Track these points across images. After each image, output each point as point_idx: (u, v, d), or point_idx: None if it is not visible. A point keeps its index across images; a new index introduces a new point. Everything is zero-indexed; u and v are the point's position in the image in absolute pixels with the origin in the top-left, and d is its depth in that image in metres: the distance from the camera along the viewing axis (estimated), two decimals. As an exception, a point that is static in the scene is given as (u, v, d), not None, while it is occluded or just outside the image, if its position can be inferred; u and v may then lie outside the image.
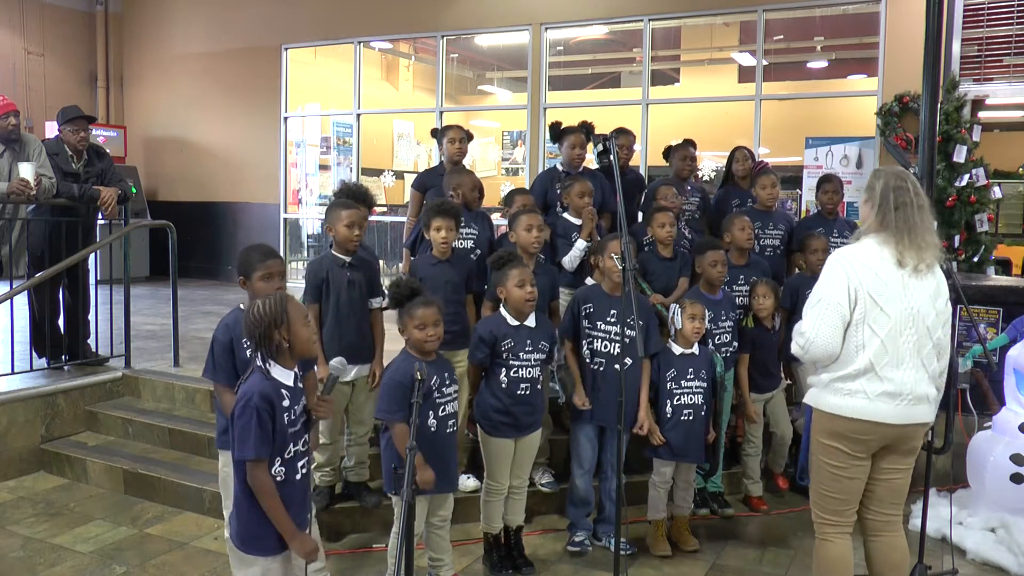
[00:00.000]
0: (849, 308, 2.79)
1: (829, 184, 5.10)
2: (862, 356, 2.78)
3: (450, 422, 3.22)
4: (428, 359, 3.17)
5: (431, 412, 3.13)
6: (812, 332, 2.83)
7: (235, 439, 2.45)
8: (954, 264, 6.63)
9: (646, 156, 8.61)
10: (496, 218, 7.29)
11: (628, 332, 3.37)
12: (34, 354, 5.32)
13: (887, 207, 2.82)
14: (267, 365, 2.51)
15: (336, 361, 2.72)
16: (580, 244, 4.32)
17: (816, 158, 7.95)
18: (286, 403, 2.50)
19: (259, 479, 2.45)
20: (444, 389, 3.19)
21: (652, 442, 3.86)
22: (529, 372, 3.56)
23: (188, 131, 11.39)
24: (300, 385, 2.63)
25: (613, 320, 3.74)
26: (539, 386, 3.66)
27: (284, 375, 2.53)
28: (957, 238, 6.93)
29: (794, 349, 2.93)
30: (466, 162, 5.05)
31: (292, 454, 2.54)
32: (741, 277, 4.53)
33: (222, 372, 3.03)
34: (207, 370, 3.10)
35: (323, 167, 10.98)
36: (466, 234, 4.34)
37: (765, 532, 4.22)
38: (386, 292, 3.52)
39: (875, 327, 2.77)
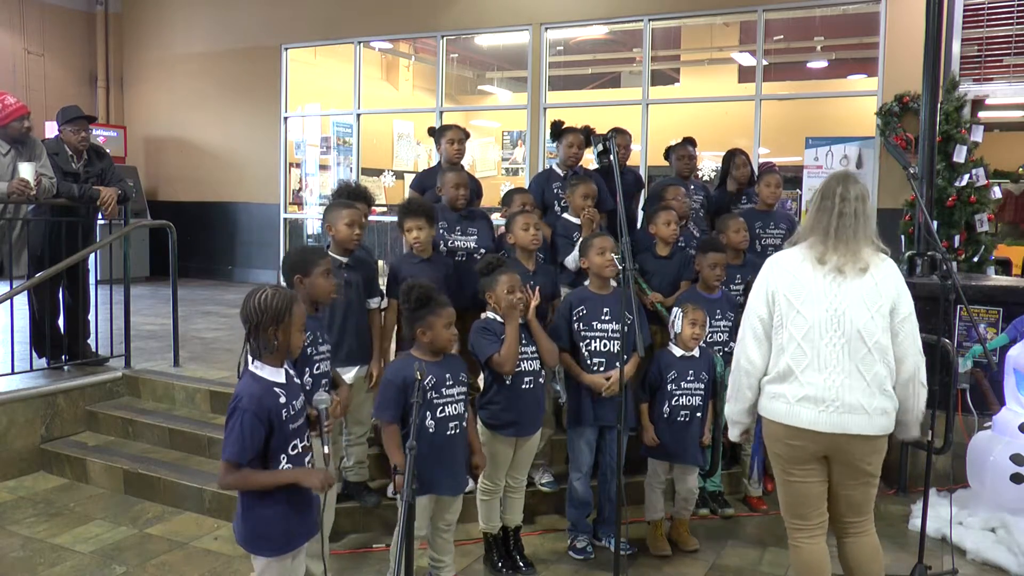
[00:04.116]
0: (768, 312, 2.81)
1: None
2: (783, 359, 2.76)
3: (451, 424, 3.15)
4: (436, 359, 3.16)
5: (428, 413, 3.07)
6: (739, 338, 2.91)
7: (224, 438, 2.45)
8: (954, 264, 6.63)
9: (646, 156, 8.62)
10: (496, 218, 7.30)
11: (626, 329, 3.37)
12: (34, 354, 5.31)
13: (813, 210, 2.84)
14: (255, 367, 2.50)
15: (320, 398, 2.65)
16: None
17: (816, 158, 7.95)
18: (282, 400, 2.49)
19: (231, 481, 2.45)
20: (444, 390, 3.14)
21: (645, 441, 3.87)
22: (530, 365, 3.57)
23: (188, 131, 11.39)
24: (298, 381, 2.63)
25: (607, 318, 3.74)
26: (541, 379, 3.66)
27: (274, 374, 2.51)
28: (957, 238, 6.93)
29: (734, 356, 2.99)
30: (466, 162, 5.04)
31: (298, 450, 2.54)
32: (738, 276, 4.55)
33: None
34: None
35: (323, 167, 10.99)
36: (465, 238, 4.34)
37: (765, 532, 4.22)
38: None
39: (793, 330, 2.75)
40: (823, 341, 2.70)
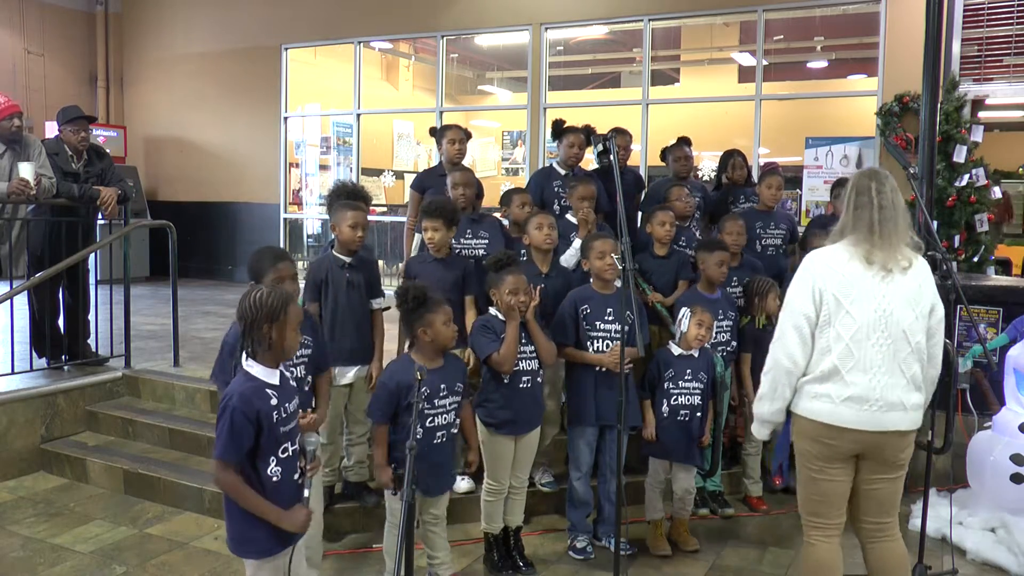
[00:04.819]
0: (815, 311, 2.76)
1: (842, 188, 5.10)
2: (827, 359, 2.74)
3: (439, 434, 3.15)
4: (436, 361, 3.16)
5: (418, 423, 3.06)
6: (778, 336, 2.84)
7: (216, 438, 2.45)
8: (954, 264, 6.63)
9: (646, 156, 8.61)
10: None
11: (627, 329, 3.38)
12: (34, 354, 5.31)
13: (849, 208, 2.82)
14: (248, 365, 2.48)
15: (310, 439, 2.62)
16: (576, 243, 4.32)
17: (816, 158, 7.95)
18: (274, 401, 2.46)
19: (223, 480, 2.44)
20: (436, 400, 3.12)
21: (643, 436, 3.88)
22: (529, 364, 3.58)
23: (188, 131, 11.39)
24: (293, 384, 2.61)
25: (611, 319, 3.75)
26: (539, 379, 3.67)
27: (268, 374, 2.49)
28: (957, 238, 6.93)
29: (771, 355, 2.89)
30: (466, 162, 5.03)
31: (288, 454, 2.52)
32: (735, 278, 4.55)
33: (229, 376, 3.02)
34: (215, 372, 3.10)
35: (323, 167, 10.99)
36: (476, 241, 4.33)
37: (765, 532, 4.22)
38: (392, 297, 3.52)
39: (841, 329, 2.72)
40: (869, 342, 2.70)
